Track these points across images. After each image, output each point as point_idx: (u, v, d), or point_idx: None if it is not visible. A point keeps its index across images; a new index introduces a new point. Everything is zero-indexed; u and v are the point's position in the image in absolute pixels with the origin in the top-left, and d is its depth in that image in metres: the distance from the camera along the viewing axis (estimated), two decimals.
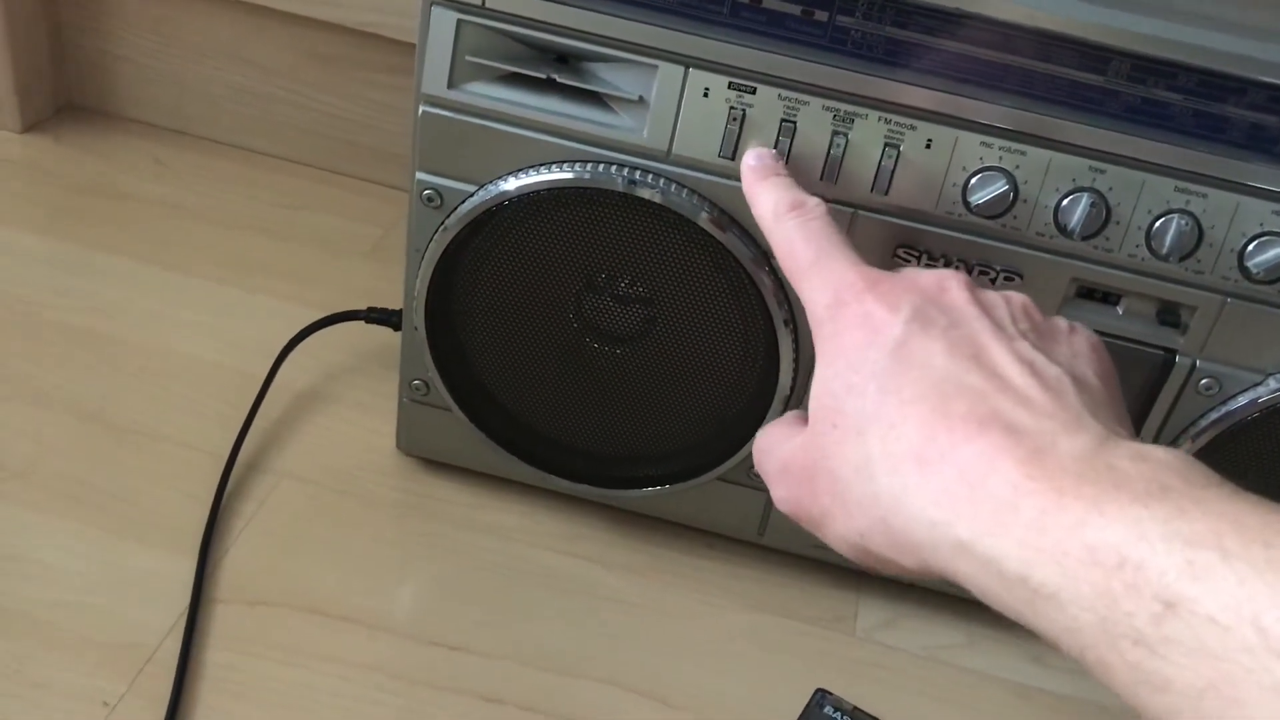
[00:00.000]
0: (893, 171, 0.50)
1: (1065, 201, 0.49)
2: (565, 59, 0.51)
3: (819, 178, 0.50)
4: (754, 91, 0.49)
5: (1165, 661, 0.28)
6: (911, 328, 0.37)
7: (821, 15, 0.48)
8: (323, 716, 0.53)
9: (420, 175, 0.54)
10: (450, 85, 0.51)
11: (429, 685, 0.55)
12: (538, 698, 0.55)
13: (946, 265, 0.52)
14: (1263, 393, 0.52)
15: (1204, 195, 0.49)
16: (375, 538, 0.62)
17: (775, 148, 0.50)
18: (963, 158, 0.49)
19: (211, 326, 0.73)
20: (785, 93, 0.49)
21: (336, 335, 0.68)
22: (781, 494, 0.41)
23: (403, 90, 0.84)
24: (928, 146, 0.49)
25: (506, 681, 0.56)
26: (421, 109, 0.52)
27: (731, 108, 0.50)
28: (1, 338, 0.69)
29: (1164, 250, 0.49)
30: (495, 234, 0.55)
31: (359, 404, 0.69)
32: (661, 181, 0.52)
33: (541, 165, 0.52)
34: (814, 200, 0.45)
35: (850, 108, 0.49)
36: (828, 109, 0.49)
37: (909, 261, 0.52)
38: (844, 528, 0.38)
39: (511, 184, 0.53)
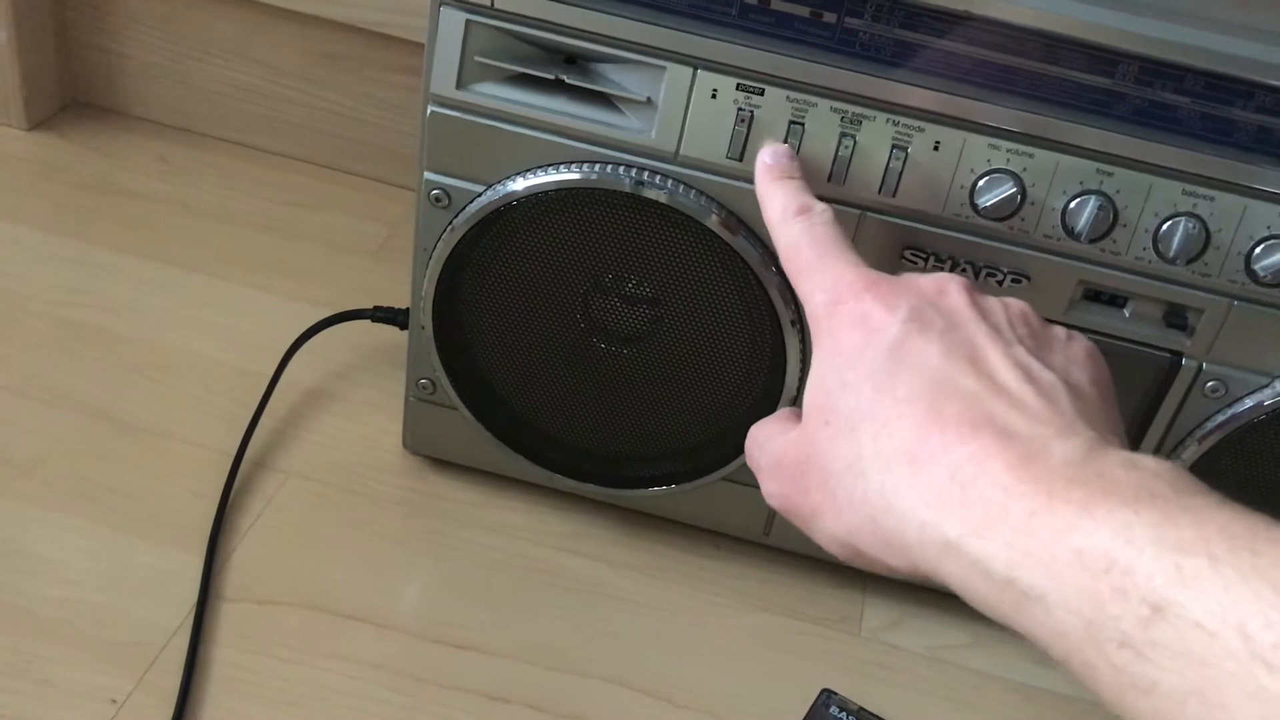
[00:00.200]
0: (900, 173, 0.50)
1: (1073, 204, 0.49)
2: (573, 60, 0.51)
3: (827, 179, 0.50)
4: (762, 93, 0.49)
5: (1151, 665, 0.28)
6: (908, 328, 0.38)
7: (830, 17, 0.48)
8: (329, 714, 0.53)
9: (428, 175, 0.54)
10: (459, 85, 0.51)
11: (435, 683, 0.55)
12: (543, 696, 0.55)
13: (954, 267, 0.52)
14: (1268, 395, 0.52)
15: (1211, 198, 0.49)
16: (381, 536, 0.62)
17: None
18: (970, 160, 0.49)
19: (218, 324, 0.73)
20: (793, 94, 0.49)
21: (343, 334, 0.68)
22: (772, 489, 0.41)
23: (410, 89, 0.84)
24: (935, 148, 0.49)
25: (512, 680, 0.56)
26: (430, 109, 0.52)
27: (739, 109, 0.50)
28: (7, 334, 0.70)
29: (1171, 253, 0.49)
30: (503, 234, 0.55)
31: (365, 403, 0.69)
32: (669, 182, 0.52)
33: (549, 165, 0.52)
34: (822, 206, 0.45)
35: (858, 109, 0.49)
36: (835, 110, 0.49)
37: (916, 263, 0.52)
38: (833, 525, 0.38)
39: (519, 184, 0.53)
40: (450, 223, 0.55)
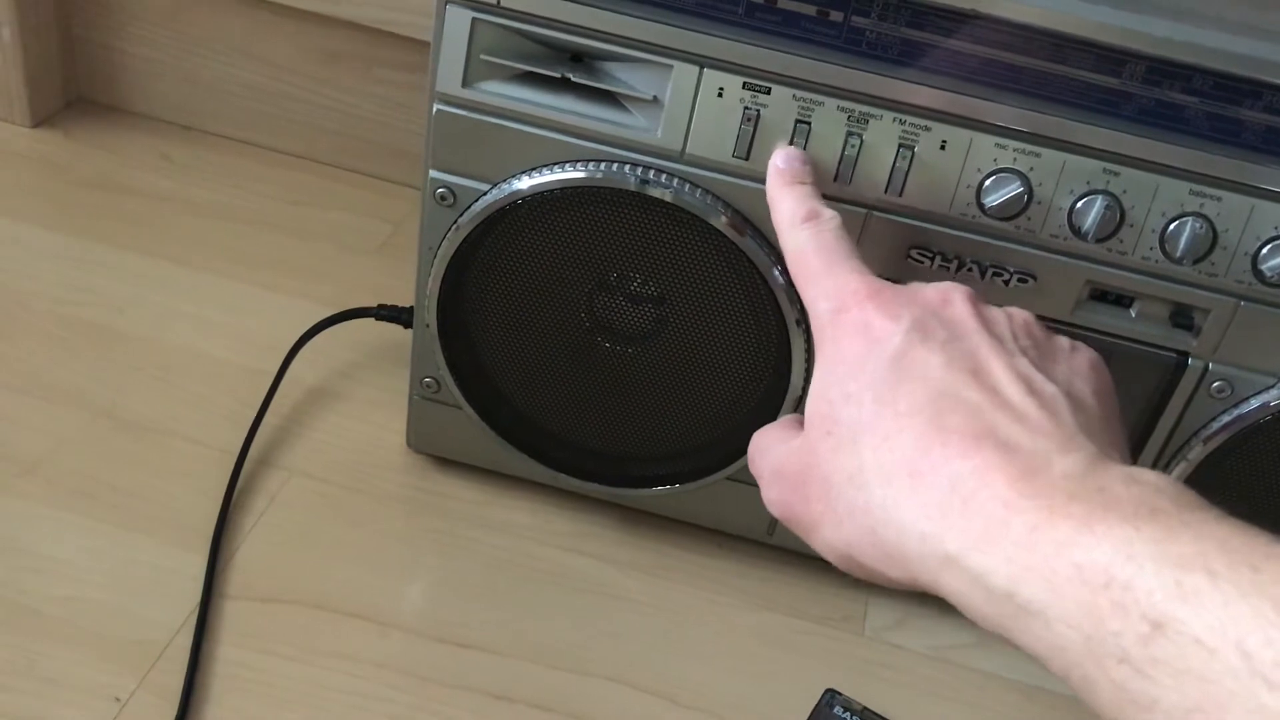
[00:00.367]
0: (907, 172, 0.50)
1: (1079, 204, 0.49)
2: (579, 58, 0.51)
3: (833, 178, 0.50)
4: (769, 92, 0.49)
5: (1152, 682, 0.28)
6: (911, 338, 0.38)
7: (836, 16, 0.48)
8: (332, 713, 0.53)
9: (433, 173, 0.54)
10: (464, 84, 0.51)
11: (438, 682, 0.55)
12: (546, 695, 0.55)
13: (960, 267, 0.52)
14: (1274, 396, 0.52)
15: (1218, 198, 0.48)
16: (385, 535, 0.62)
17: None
18: (977, 159, 0.49)
19: (221, 322, 0.73)
20: (800, 93, 0.49)
21: (347, 332, 0.68)
22: (773, 496, 0.42)
23: (414, 87, 0.84)
24: (942, 148, 0.49)
25: (515, 679, 0.56)
26: (435, 107, 0.52)
27: (746, 108, 0.50)
28: (10, 332, 0.70)
29: (1178, 253, 0.49)
30: (508, 232, 0.55)
31: (369, 401, 0.69)
32: (675, 181, 0.51)
33: (555, 164, 0.52)
34: (831, 213, 0.45)
35: (865, 108, 0.49)
36: (842, 109, 0.49)
37: (922, 263, 0.52)
38: (833, 535, 0.38)
39: (525, 183, 0.53)
40: (455, 221, 0.54)
